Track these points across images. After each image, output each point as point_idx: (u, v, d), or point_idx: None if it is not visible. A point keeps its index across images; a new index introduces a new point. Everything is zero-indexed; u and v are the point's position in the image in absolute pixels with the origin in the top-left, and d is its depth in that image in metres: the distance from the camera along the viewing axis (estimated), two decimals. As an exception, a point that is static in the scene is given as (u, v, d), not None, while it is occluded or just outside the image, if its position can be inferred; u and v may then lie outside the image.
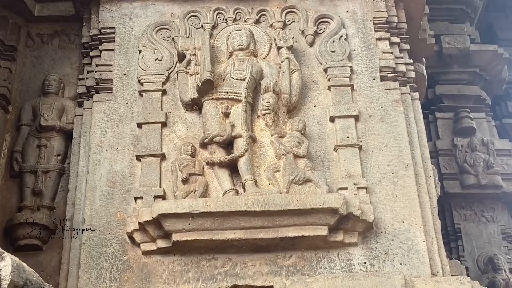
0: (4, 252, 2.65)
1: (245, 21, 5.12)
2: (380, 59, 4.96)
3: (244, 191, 4.32)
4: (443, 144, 7.76)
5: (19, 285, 2.61)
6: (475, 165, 7.50)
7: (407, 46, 5.19)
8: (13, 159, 4.92)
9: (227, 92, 4.65)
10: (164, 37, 5.04)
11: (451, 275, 4.26)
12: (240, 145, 4.46)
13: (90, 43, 5.11)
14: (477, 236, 7.36)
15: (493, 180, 7.41)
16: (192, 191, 4.36)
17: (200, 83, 4.61)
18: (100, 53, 5.01)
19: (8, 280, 2.61)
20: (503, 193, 7.46)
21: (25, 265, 2.69)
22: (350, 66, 4.91)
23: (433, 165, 7.12)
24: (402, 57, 5.07)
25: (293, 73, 4.77)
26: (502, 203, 7.55)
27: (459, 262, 4.98)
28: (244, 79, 4.66)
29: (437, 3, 7.85)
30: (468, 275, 6.70)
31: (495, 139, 7.86)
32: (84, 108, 4.86)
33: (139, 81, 4.85)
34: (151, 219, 4.10)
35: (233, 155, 4.44)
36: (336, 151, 4.58)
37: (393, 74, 4.91)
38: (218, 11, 5.15)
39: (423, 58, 5.94)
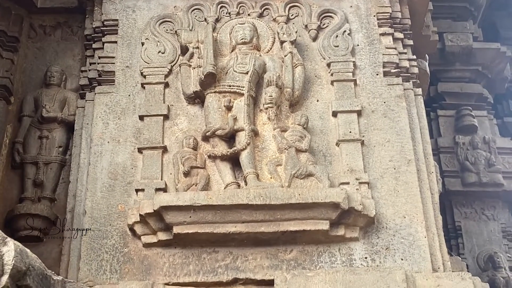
0: (7, 238, 2.66)
1: (249, 14, 5.10)
2: (383, 54, 4.95)
3: (246, 185, 4.32)
4: (444, 142, 7.77)
5: (22, 270, 2.61)
6: (476, 163, 7.51)
7: (411, 42, 5.17)
8: (14, 150, 4.92)
9: (230, 86, 4.63)
10: (167, 30, 5.03)
11: (452, 271, 4.25)
12: (242, 138, 4.45)
13: (93, 35, 5.09)
14: (477, 234, 7.37)
15: (494, 178, 7.43)
16: (193, 184, 4.35)
17: (203, 76, 4.59)
18: (103, 45, 4.99)
19: (11, 265, 2.61)
20: (504, 192, 7.48)
21: (28, 250, 2.68)
22: (353, 61, 4.90)
23: (435, 162, 7.15)
24: (405, 53, 5.05)
25: (296, 67, 4.75)
26: (503, 201, 7.57)
27: (460, 258, 4.97)
28: (247, 73, 4.64)
29: (441, 1, 7.85)
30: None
31: (497, 137, 7.88)
32: (86, 100, 4.85)
33: (141, 73, 4.84)
34: (152, 211, 4.09)
35: (235, 148, 4.43)
36: (338, 146, 4.57)
37: (396, 70, 4.90)
38: (222, 4, 5.13)
39: (426, 55, 5.93)
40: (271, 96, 4.56)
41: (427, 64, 5.87)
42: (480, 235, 7.35)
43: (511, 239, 7.41)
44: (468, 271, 6.70)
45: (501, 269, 7.03)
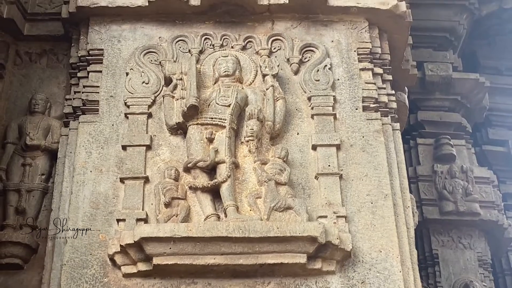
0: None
1: (232, 47, 5.18)
2: (363, 89, 5.03)
3: (226, 217, 4.38)
4: (423, 170, 7.86)
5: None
6: (454, 192, 7.59)
7: (390, 77, 5.27)
8: (-3, 177, 4.96)
9: (212, 118, 4.71)
10: (151, 60, 5.09)
11: (426, 305, 4.35)
12: (223, 171, 4.52)
13: (78, 63, 5.14)
14: (454, 262, 7.44)
15: (471, 207, 7.51)
16: (174, 215, 4.41)
17: (186, 108, 4.67)
18: (88, 74, 5.04)
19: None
20: (481, 221, 7.55)
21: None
22: (334, 96, 4.99)
23: (413, 190, 7.25)
24: (384, 88, 5.14)
25: (277, 100, 4.83)
26: (479, 231, 7.64)
27: (434, 291, 5.06)
28: (229, 106, 4.72)
29: (421, 30, 8.01)
30: (444, 301, 6.82)
31: (474, 167, 7.97)
32: (70, 129, 4.88)
33: (125, 103, 4.90)
34: (133, 242, 4.13)
35: (215, 180, 4.50)
36: (317, 179, 4.65)
37: (375, 105, 4.99)
38: (206, 36, 5.21)
39: (406, 87, 6.05)
40: (252, 129, 4.63)
41: (406, 96, 5.99)
42: (456, 263, 7.43)
43: (486, 268, 7.50)
44: (444, 300, 6.84)
45: (476, 298, 7.13)
